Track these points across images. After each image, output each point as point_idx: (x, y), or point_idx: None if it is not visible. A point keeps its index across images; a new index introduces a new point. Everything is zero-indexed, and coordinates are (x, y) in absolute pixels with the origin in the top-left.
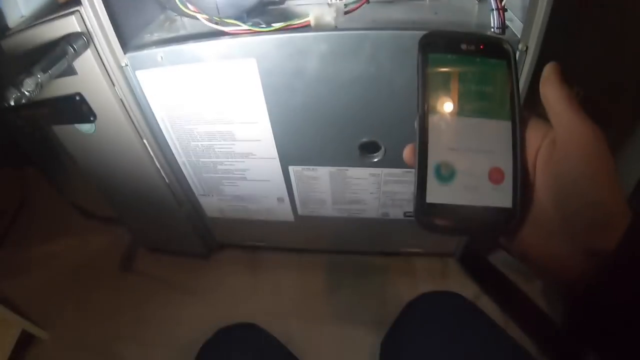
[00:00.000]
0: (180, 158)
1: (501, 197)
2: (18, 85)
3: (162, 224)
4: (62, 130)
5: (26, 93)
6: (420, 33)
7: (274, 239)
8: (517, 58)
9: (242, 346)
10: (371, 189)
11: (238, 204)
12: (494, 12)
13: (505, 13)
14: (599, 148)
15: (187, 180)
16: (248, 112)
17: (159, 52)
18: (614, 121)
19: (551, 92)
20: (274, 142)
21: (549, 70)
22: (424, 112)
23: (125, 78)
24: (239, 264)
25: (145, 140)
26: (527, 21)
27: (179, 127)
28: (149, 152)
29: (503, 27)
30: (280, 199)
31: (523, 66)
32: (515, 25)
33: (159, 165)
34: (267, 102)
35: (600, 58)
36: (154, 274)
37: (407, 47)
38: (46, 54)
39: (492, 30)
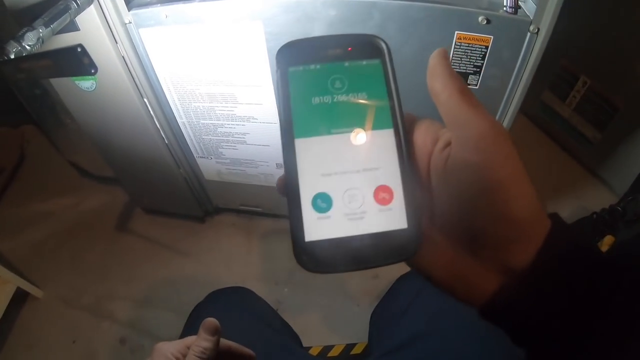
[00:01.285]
0: (181, 119)
1: (393, 219)
2: (19, 38)
3: (159, 185)
4: (63, 88)
5: (27, 47)
6: (430, 5)
7: (270, 205)
8: (390, 54)
9: (234, 308)
10: None
11: (236, 168)
12: None
13: None
14: (503, 149)
15: (186, 142)
16: (252, 75)
17: (164, 10)
18: (623, 110)
19: (440, 85)
20: (276, 107)
21: (435, 59)
22: (290, 137)
23: (129, 36)
24: (235, 229)
25: (146, 99)
26: (541, 3)
27: (180, 87)
28: (150, 111)
29: (516, 7)
30: (279, 165)
31: (533, 49)
32: (528, 6)
33: (158, 125)
34: (271, 66)
35: (610, 44)
36: (150, 235)
37: (415, 18)
38: (49, 8)
39: (505, 9)
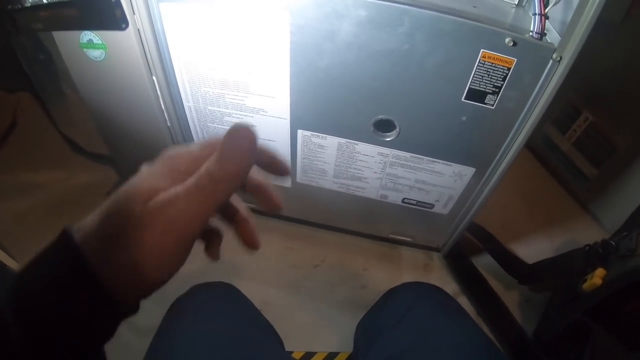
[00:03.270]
0: (188, 102)
1: None
2: None
3: None
4: (69, 54)
5: (44, 0)
6: (461, 20)
7: None
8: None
9: (219, 303)
10: (376, 169)
11: None
12: (536, 16)
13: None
14: None
15: (189, 127)
16: (269, 66)
17: None
18: (621, 151)
19: None
20: (289, 102)
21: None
22: None
23: (148, 8)
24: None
25: (155, 77)
26: (567, 33)
27: (193, 69)
28: (156, 90)
29: (542, 33)
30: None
31: (553, 77)
32: (552, 36)
33: (163, 106)
34: (291, 59)
35: (619, 85)
36: None
37: (444, 31)
38: None
39: (531, 34)
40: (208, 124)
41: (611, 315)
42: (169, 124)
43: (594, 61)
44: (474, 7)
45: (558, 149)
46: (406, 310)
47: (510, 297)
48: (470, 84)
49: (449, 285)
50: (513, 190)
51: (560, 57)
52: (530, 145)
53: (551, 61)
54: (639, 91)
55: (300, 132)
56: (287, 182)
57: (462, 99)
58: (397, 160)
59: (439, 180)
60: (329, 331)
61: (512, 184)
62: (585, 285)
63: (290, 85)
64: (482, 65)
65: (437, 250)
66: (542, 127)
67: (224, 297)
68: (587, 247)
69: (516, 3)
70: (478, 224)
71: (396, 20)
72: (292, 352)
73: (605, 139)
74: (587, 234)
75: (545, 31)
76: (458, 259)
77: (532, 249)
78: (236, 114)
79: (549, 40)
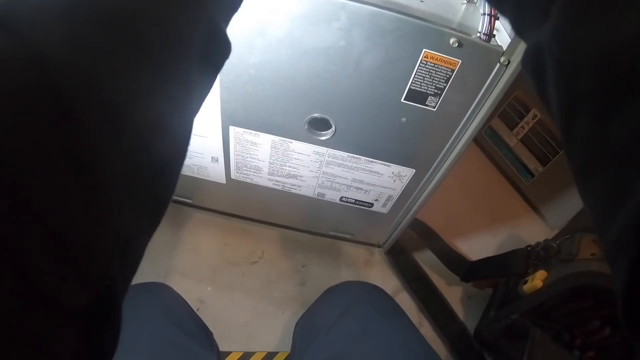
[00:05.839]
0: None
1: None
2: None
3: None
4: None
5: None
6: (403, 17)
7: (201, 198)
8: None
9: (148, 307)
10: (312, 167)
11: None
12: (485, 16)
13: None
14: None
15: None
16: None
17: None
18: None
19: None
20: (219, 98)
21: None
22: None
23: None
24: (164, 219)
25: None
26: (516, 35)
27: None
28: None
29: (490, 34)
30: (214, 159)
31: (499, 81)
32: (502, 37)
33: None
34: None
35: None
36: None
37: (384, 28)
38: None
39: (479, 34)
40: None
41: (547, 315)
42: None
43: None
44: (421, 1)
45: (505, 145)
46: (342, 312)
47: (453, 293)
48: (410, 85)
49: (390, 281)
50: (458, 186)
51: (509, 61)
52: (478, 141)
53: (498, 65)
54: None
55: (232, 128)
56: (221, 179)
57: (402, 100)
58: (334, 160)
59: (378, 180)
60: (268, 330)
61: (457, 179)
62: (526, 287)
63: (220, 80)
64: (423, 65)
65: (379, 246)
66: (490, 123)
67: (155, 299)
68: (529, 248)
69: None
70: (420, 220)
71: (332, 15)
72: (229, 353)
73: (553, 137)
74: (531, 231)
75: (494, 32)
76: (399, 255)
77: (476, 245)
78: None
79: (498, 42)
